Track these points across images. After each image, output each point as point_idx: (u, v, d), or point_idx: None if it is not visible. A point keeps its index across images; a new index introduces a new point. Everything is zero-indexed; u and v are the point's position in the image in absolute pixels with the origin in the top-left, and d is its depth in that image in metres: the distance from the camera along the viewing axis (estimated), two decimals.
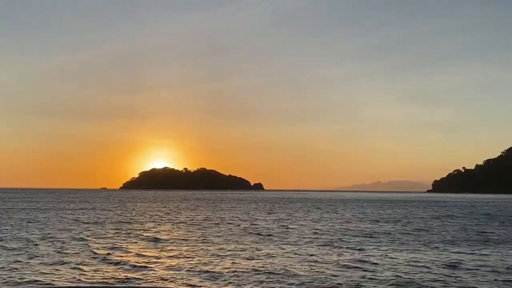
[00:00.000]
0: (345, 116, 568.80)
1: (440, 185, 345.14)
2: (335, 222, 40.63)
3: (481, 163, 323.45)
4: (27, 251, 21.09)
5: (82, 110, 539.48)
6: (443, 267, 17.86)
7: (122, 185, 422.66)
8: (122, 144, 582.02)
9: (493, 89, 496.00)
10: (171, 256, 20.05)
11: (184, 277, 15.63)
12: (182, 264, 17.98)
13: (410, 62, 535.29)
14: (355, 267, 17.65)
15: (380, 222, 41.29)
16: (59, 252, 20.99)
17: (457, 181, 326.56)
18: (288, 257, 19.97)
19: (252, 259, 19.36)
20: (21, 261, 18.45)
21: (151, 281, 15.01)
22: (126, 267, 17.46)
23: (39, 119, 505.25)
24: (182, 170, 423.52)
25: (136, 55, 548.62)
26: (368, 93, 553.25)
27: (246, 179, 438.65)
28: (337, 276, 15.89)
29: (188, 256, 20.10)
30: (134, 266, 17.52)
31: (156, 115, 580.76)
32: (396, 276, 15.98)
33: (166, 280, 15.27)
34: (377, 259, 19.62)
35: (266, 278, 15.48)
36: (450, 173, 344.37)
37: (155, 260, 18.97)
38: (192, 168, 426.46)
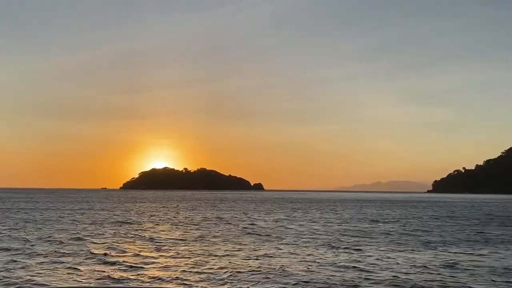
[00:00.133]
0: (345, 116, 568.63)
1: (440, 185, 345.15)
2: (334, 222, 40.58)
3: (481, 163, 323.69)
4: (24, 251, 21.03)
5: (82, 110, 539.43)
6: (442, 268, 17.81)
7: (122, 185, 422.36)
8: (122, 144, 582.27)
9: (493, 89, 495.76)
10: (168, 256, 19.99)
11: (181, 277, 15.58)
12: (179, 264, 17.92)
13: (410, 62, 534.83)
14: (353, 267, 17.58)
15: (379, 222, 41.25)
16: (56, 252, 20.93)
17: (457, 181, 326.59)
18: (286, 257, 19.92)
19: (250, 259, 19.31)
20: (18, 261, 18.39)
21: (148, 281, 14.96)
22: (123, 267, 17.39)
23: (39, 119, 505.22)
24: (182, 170, 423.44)
25: (136, 55, 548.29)
26: (368, 93, 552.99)
27: (246, 179, 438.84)
28: (335, 276, 15.83)
29: (185, 256, 20.05)
30: (131, 266, 17.46)
31: (156, 115, 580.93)
32: (394, 276, 15.92)
33: (163, 280, 15.23)
34: (375, 259, 19.56)
35: (263, 278, 15.42)
36: (450, 173, 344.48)
37: (153, 260, 18.91)
38: (192, 168, 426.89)
